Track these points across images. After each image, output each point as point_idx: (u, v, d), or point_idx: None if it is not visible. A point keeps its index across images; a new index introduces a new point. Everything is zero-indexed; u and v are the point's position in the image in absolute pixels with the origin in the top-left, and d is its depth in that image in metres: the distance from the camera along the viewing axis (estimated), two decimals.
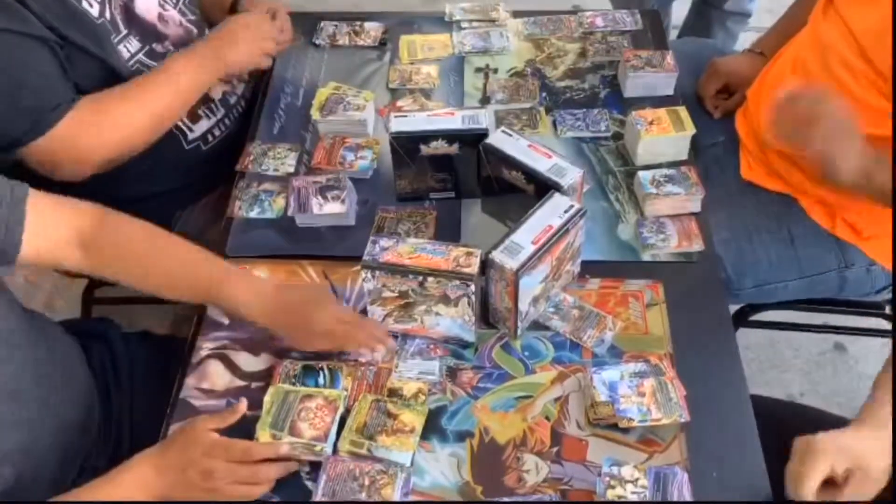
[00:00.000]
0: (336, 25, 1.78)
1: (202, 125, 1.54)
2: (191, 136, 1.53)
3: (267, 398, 1.12)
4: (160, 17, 1.48)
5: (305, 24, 1.78)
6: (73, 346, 1.28)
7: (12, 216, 1.09)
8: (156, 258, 1.21)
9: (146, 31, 1.44)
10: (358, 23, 1.78)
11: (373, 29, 1.77)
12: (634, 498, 1.01)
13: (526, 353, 1.22)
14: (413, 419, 1.12)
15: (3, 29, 1.24)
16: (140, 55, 1.42)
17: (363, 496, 1.05)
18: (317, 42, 1.76)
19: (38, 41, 1.27)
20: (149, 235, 1.22)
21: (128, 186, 1.42)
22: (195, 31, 1.55)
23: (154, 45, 1.45)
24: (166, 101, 1.40)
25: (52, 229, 1.14)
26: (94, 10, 1.34)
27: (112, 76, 1.37)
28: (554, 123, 1.55)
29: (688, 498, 1.03)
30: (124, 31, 1.40)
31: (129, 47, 1.40)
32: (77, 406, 1.21)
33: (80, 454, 1.21)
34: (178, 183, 1.56)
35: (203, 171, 1.57)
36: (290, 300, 1.20)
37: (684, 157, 1.46)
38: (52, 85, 1.30)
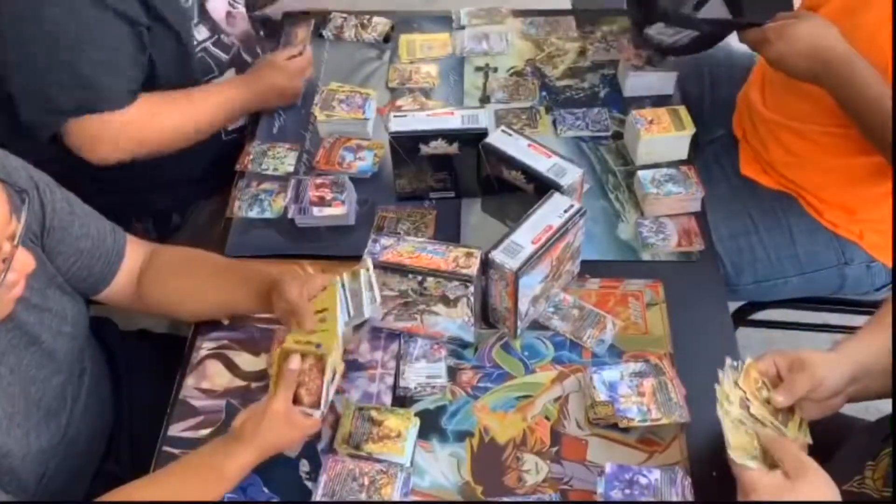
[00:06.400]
0: (345, 18, 1.79)
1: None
2: (231, 126, 1.58)
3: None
4: (228, 14, 1.56)
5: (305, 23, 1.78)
6: (98, 348, 1.31)
7: (115, 250, 1.19)
8: (193, 276, 1.23)
9: (214, 25, 1.52)
10: (367, 16, 1.79)
11: (380, 24, 1.77)
12: None
13: (526, 353, 1.22)
14: (398, 424, 1.12)
15: (106, 5, 1.29)
16: (207, 43, 1.50)
17: (363, 496, 1.05)
18: (324, 33, 1.76)
19: (129, 23, 1.33)
20: (186, 254, 1.26)
21: (165, 169, 1.48)
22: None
23: (221, 36, 1.53)
24: (211, 119, 1.48)
25: (128, 265, 1.21)
26: None
27: (185, 58, 1.45)
28: (554, 123, 1.55)
29: (688, 498, 1.03)
30: (197, 19, 1.47)
31: (198, 35, 1.47)
32: (101, 406, 1.25)
33: (101, 446, 1.26)
34: (178, 185, 1.57)
35: (202, 172, 1.58)
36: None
37: (684, 156, 1.46)
38: (130, 69, 1.37)
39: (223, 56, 1.53)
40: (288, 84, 1.57)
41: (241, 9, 1.60)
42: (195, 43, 1.47)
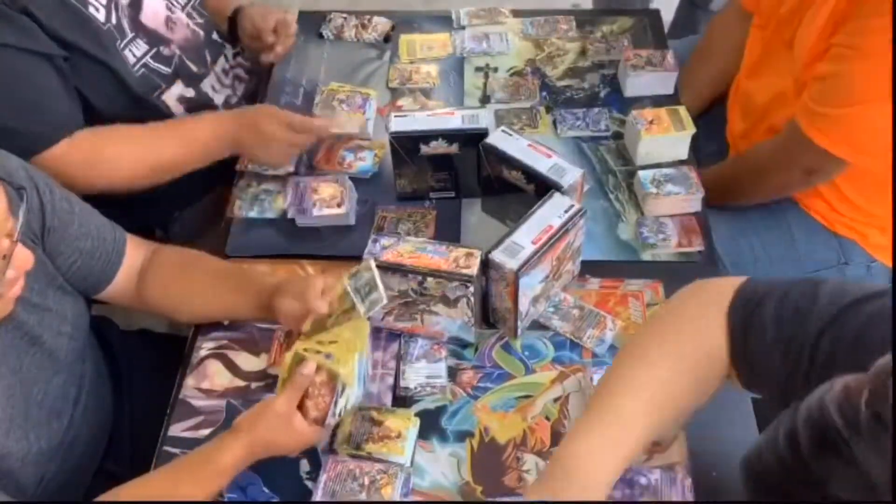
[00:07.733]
0: (345, 17, 1.79)
1: None
2: None
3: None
4: (167, 20, 1.47)
5: (304, 23, 1.78)
6: (98, 348, 1.31)
7: (115, 249, 1.19)
8: (193, 278, 1.23)
9: (152, 35, 1.44)
10: (367, 16, 1.79)
11: (380, 23, 1.77)
12: None
13: (526, 353, 1.22)
14: (399, 424, 1.12)
15: (10, 45, 1.23)
16: (147, 58, 1.42)
17: (363, 496, 1.05)
18: (324, 33, 1.76)
19: (43, 59, 1.26)
20: (186, 257, 1.25)
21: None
22: (202, 34, 1.54)
23: (161, 48, 1.45)
24: (173, 155, 1.38)
25: (129, 264, 1.21)
26: (101, 15, 1.34)
27: (117, 82, 1.37)
28: (554, 123, 1.55)
29: (688, 498, 1.03)
30: (130, 35, 1.39)
31: (134, 51, 1.40)
32: (101, 406, 1.26)
33: (101, 446, 1.26)
34: (177, 184, 1.55)
35: (202, 172, 1.57)
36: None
37: (684, 156, 1.46)
38: (52, 107, 1.30)
39: (164, 69, 1.44)
40: (277, 133, 1.36)
41: (180, 13, 1.49)
42: (132, 61, 1.39)
